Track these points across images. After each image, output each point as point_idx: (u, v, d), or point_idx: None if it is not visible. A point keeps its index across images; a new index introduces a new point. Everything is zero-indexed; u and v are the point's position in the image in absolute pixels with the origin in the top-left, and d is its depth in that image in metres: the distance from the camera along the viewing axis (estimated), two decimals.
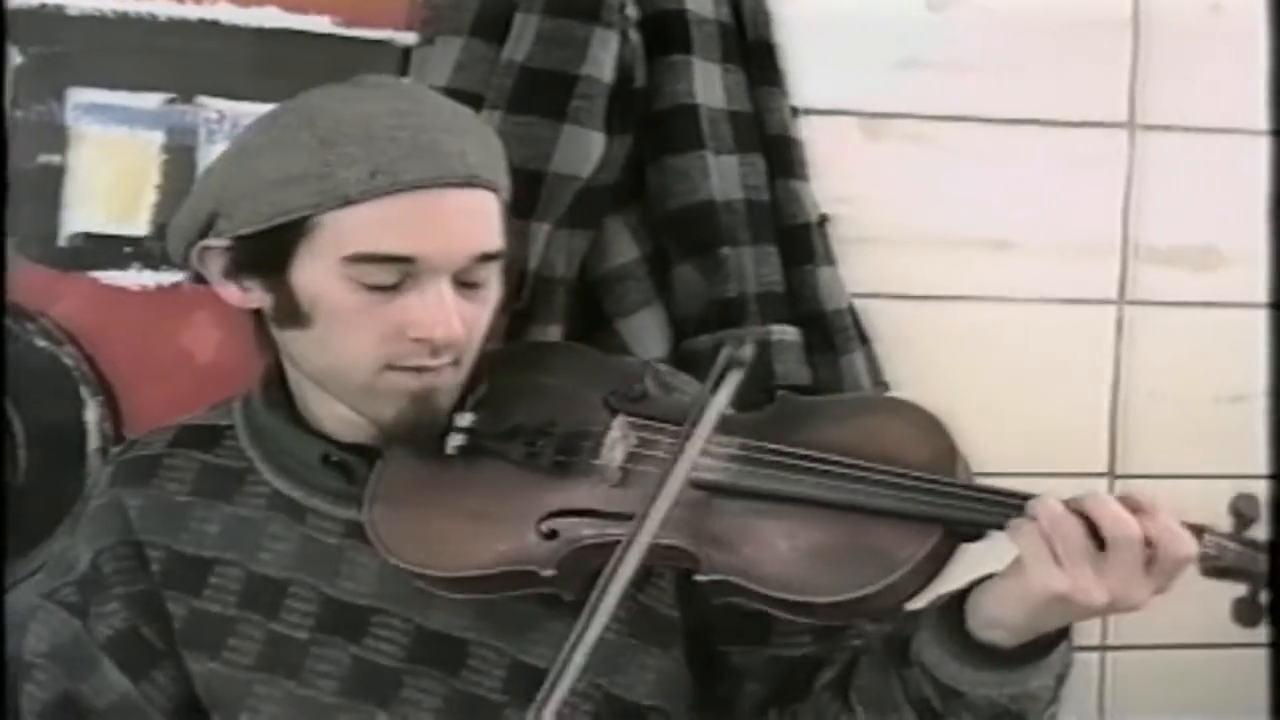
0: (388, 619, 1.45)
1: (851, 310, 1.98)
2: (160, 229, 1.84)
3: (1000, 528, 1.27)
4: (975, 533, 1.30)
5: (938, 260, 2.10)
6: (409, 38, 1.87)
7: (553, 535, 1.38)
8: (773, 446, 1.36)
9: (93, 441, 1.86)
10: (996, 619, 1.29)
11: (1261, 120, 2.10)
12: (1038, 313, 2.14)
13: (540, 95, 1.74)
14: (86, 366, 1.85)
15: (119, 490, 1.53)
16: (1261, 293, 2.14)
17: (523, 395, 1.49)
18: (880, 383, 1.99)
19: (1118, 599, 1.23)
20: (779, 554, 1.32)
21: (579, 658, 1.22)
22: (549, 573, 1.36)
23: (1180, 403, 2.20)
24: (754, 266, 1.90)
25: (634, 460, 1.41)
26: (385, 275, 1.37)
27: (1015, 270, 2.13)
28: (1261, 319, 2.14)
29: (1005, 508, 1.27)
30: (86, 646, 1.48)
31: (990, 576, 1.31)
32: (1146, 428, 2.20)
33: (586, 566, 1.35)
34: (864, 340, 1.99)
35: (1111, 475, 2.19)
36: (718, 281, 1.87)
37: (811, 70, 2.01)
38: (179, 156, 1.86)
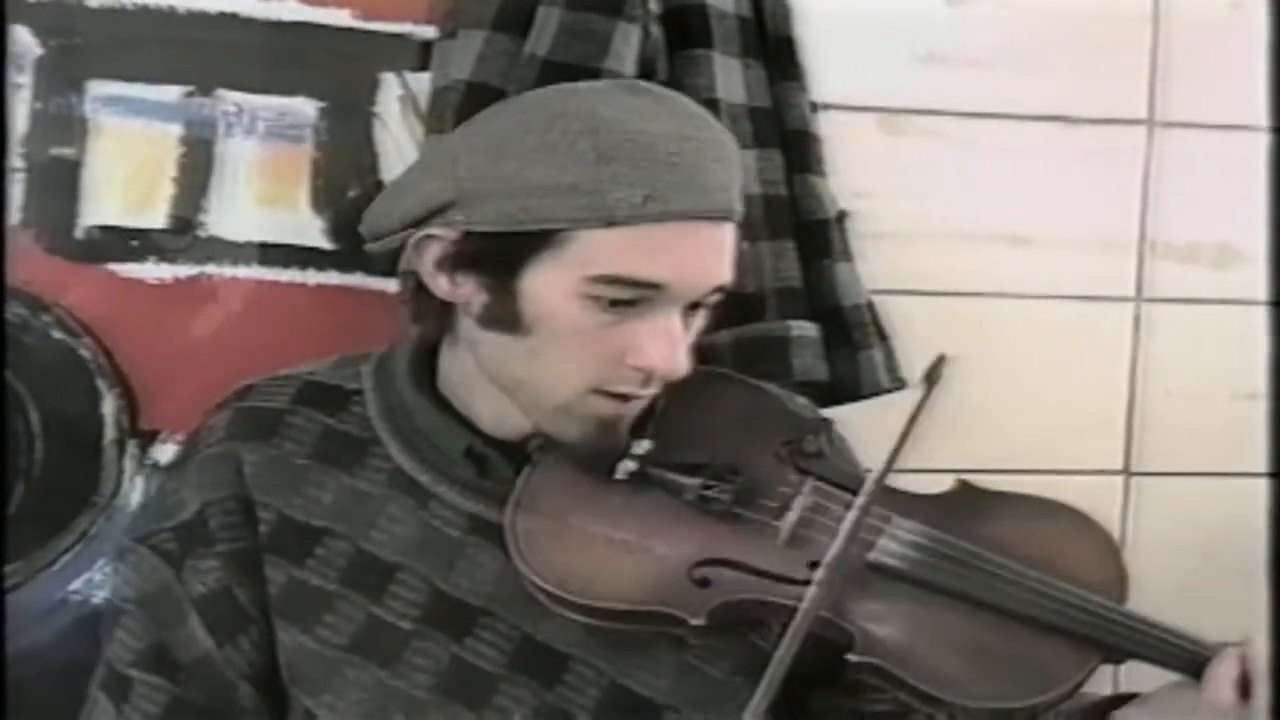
0: (495, 622, 1.42)
1: (870, 306, 1.98)
2: (176, 221, 1.85)
3: (1163, 664, 1.29)
4: (1125, 659, 1.31)
5: (955, 256, 2.10)
6: (429, 31, 1.86)
7: (705, 583, 1.35)
8: (957, 543, 1.35)
9: (109, 434, 1.86)
10: None
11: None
12: (1055, 309, 2.14)
13: None
14: (103, 359, 1.84)
15: (236, 444, 1.49)
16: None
17: (698, 428, 1.47)
18: (898, 379, 1.98)
19: None
20: (936, 649, 1.31)
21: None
22: (697, 622, 1.32)
23: (1197, 400, 2.20)
24: (772, 261, 1.90)
25: (804, 523, 1.39)
26: (625, 296, 1.34)
27: (1033, 266, 2.13)
28: None
29: (1181, 653, 1.29)
30: (177, 598, 1.44)
31: (1131, 697, 1.35)
32: (1163, 425, 2.20)
33: (731, 620, 1.34)
34: (882, 336, 1.98)
35: (1127, 473, 2.19)
36: (736, 276, 1.86)
37: (831, 65, 2.00)
38: (197, 149, 1.85)
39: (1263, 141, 2.11)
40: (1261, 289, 2.15)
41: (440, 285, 1.41)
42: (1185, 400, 2.20)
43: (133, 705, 1.44)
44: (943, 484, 1.46)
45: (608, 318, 1.35)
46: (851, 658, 1.30)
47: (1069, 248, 2.14)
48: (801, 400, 1.65)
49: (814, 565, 1.34)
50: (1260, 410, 2.14)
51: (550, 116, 1.34)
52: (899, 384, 1.98)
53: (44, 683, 1.78)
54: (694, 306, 1.40)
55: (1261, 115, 2.09)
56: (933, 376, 1.43)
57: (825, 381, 1.91)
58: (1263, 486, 2.13)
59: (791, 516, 1.39)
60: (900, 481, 1.43)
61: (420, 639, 1.42)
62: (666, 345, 1.36)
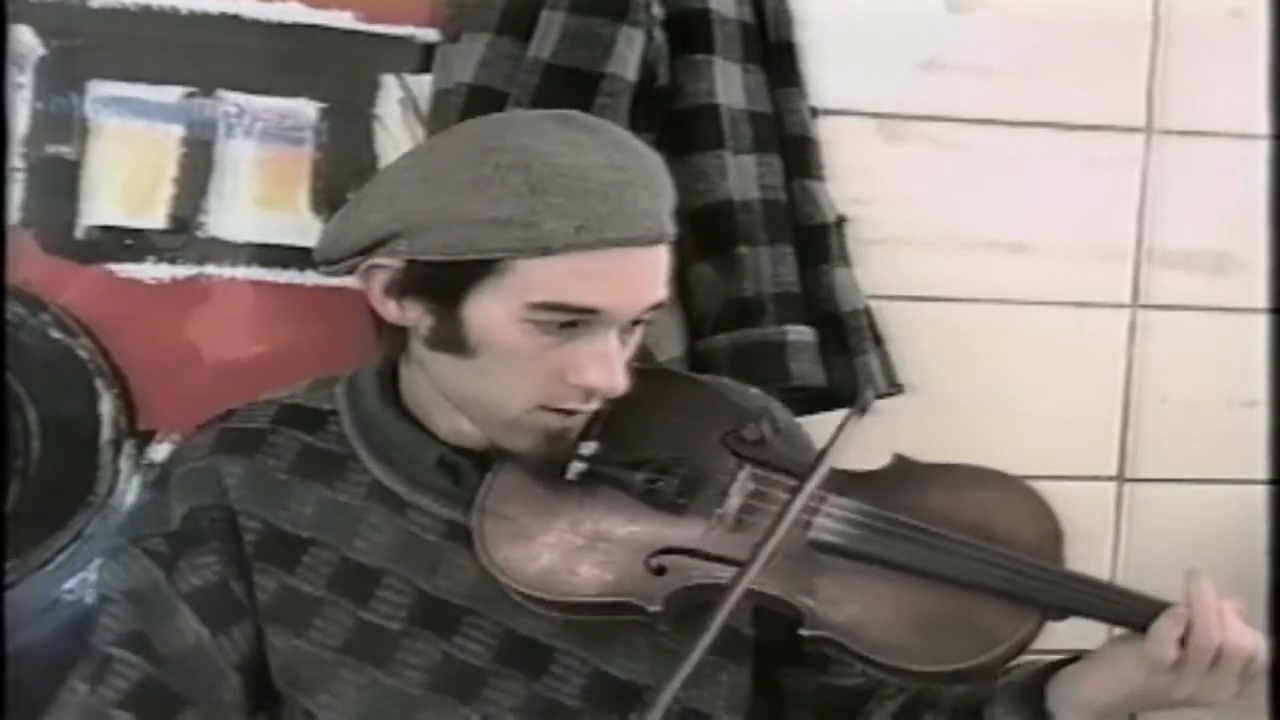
0: (479, 620, 1.47)
1: (867, 311, 1.98)
2: (176, 222, 1.85)
3: (1100, 619, 1.34)
4: (1065, 616, 1.34)
5: (953, 262, 2.10)
6: (430, 34, 1.87)
7: (661, 571, 1.41)
8: (892, 516, 1.40)
9: (106, 434, 1.86)
10: (1084, 702, 1.36)
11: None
12: (1051, 315, 2.14)
13: (565, 93, 1.73)
14: (101, 359, 1.84)
15: (218, 459, 1.52)
16: (1274, 298, 2.15)
17: (643, 427, 1.51)
18: (895, 384, 1.99)
19: (1203, 696, 1.32)
20: (885, 619, 1.36)
21: (667, 696, 1.25)
22: (655, 609, 1.39)
23: (1192, 407, 2.20)
24: (770, 266, 1.90)
25: (747, 509, 1.44)
26: (564, 320, 1.38)
27: (1030, 273, 2.13)
28: (1276, 324, 2.15)
29: (1109, 603, 1.34)
30: (166, 596, 1.47)
31: (1076, 659, 1.39)
32: (1158, 432, 2.20)
33: (689, 604, 1.39)
34: (879, 341, 1.99)
35: (1121, 479, 2.19)
36: (734, 281, 1.87)
37: (831, 71, 2.00)
38: (197, 150, 1.85)
39: (1261, 150, 2.12)
40: (1258, 297, 2.16)
41: (389, 310, 1.46)
42: (1180, 407, 2.20)
43: (107, 684, 1.46)
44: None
45: (549, 340, 1.39)
46: (803, 632, 1.36)
47: (1066, 254, 2.14)
48: (753, 391, 1.69)
49: (758, 546, 1.38)
50: (1256, 418, 2.16)
51: (483, 150, 1.39)
52: (896, 389, 1.99)
53: (38, 681, 1.78)
54: (634, 323, 1.45)
55: (1260, 124, 2.11)
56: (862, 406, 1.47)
57: (822, 386, 1.91)
58: (1257, 494, 2.14)
59: (733, 502, 1.45)
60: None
61: (410, 638, 1.46)
62: (605, 365, 1.41)
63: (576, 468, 1.47)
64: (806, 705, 1.59)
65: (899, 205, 2.07)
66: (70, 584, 1.86)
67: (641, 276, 1.41)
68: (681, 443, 1.50)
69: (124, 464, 1.87)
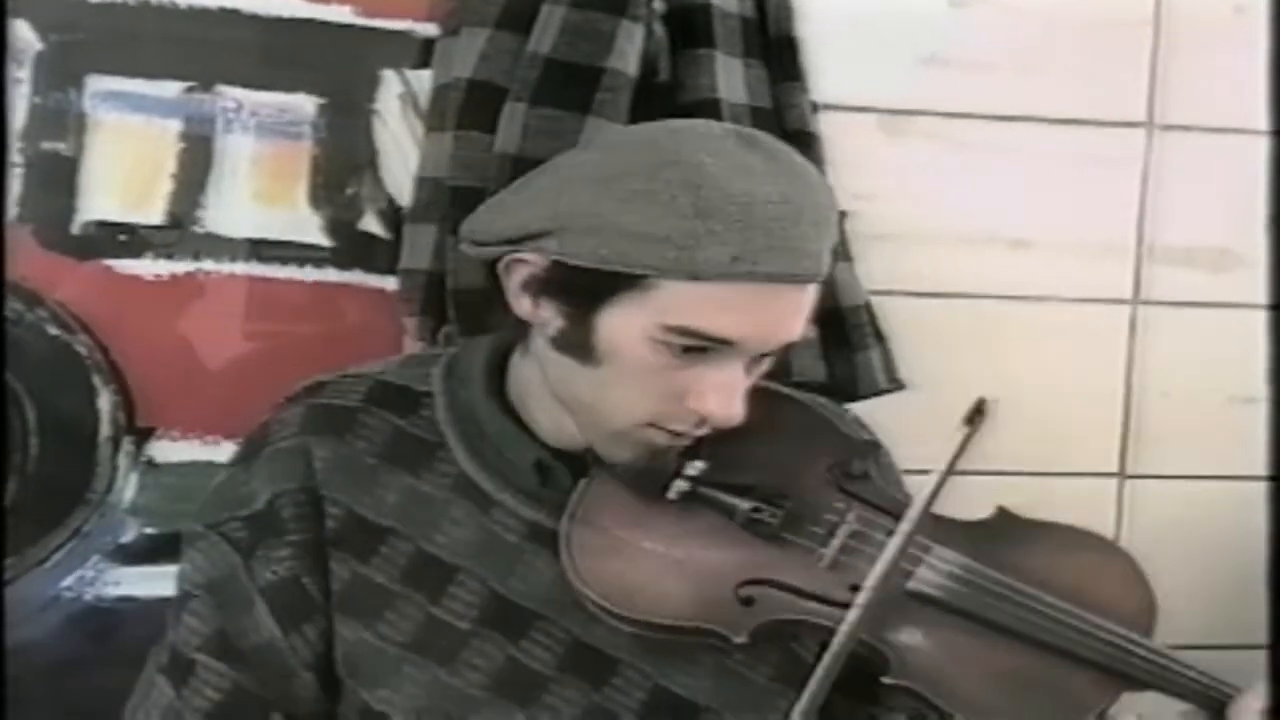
0: (548, 626, 1.44)
1: (868, 307, 1.98)
2: (174, 217, 1.85)
3: (1182, 697, 1.32)
4: (1146, 689, 1.34)
5: (954, 258, 2.10)
6: (429, 28, 1.86)
7: (749, 602, 1.38)
8: (994, 575, 1.38)
9: (105, 430, 1.85)
10: None
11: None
12: (1053, 311, 2.14)
13: (565, 88, 1.72)
14: (99, 355, 1.84)
15: (309, 438, 1.48)
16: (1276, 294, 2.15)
17: (750, 451, 1.47)
18: (895, 380, 1.98)
19: None
20: (971, 676, 1.34)
21: None
22: (740, 640, 1.35)
23: (1193, 403, 2.20)
24: None
25: (846, 549, 1.41)
26: (696, 345, 1.35)
27: (1031, 268, 2.13)
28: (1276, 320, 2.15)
29: (1208, 691, 1.32)
30: (244, 585, 1.45)
31: None
32: (1159, 428, 2.20)
33: (773, 638, 1.38)
34: (880, 337, 1.98)
35: (1122, 475, 2.19)
36: None
37: (832, 66, 2.00)
38: (196, 145, 1.84)
39: (1262, 145, 2.11)
40: (1259, 293, 2.15)
41: (522, 305, 1.43)
42: (1181, 403, 2.20)
43: (193, 689, 1.44)
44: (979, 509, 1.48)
45: (675, 362, 1.36)
46: (887, 680, 1.33)
47: (1067, 250, 2.14)
48: (851, 417, 1.67)
49: (854, 588, 1.36)
50: (1256, 414, 2.15)
51: (658, 163, 1.34)
52: (896, 385, 1.98)
53: (35, 679, 1.79)
54: (763, 355, 1.42)
55: (1261, 119, 2.10)
56: (974, 419, 1.44)
57: (822, 382, 1.90)
58: (1258, 490, 2.14)
59: (835, 543, 1.41)
60: (910, 482, 1.46)
61: (478, 639, 1.44)
62: (726, 395, 1.38)
63: (680, 487, 1.43)
64: None
65: (900, 201, 2.06)
66: (68, 581, 1.86)
67: (785, 313, 1.38)
68: (789, 471, 1.46)
69: (122, 461, 1.86)
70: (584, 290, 1.37)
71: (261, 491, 1.47)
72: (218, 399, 1.86)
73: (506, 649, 1.43)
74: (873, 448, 1.58)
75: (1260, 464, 2.14)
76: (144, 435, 1.87)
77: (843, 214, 1.97)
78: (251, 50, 1.84)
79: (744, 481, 1.44)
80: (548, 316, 1.41)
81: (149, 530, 1.87)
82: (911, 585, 1.37)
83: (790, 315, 1.39)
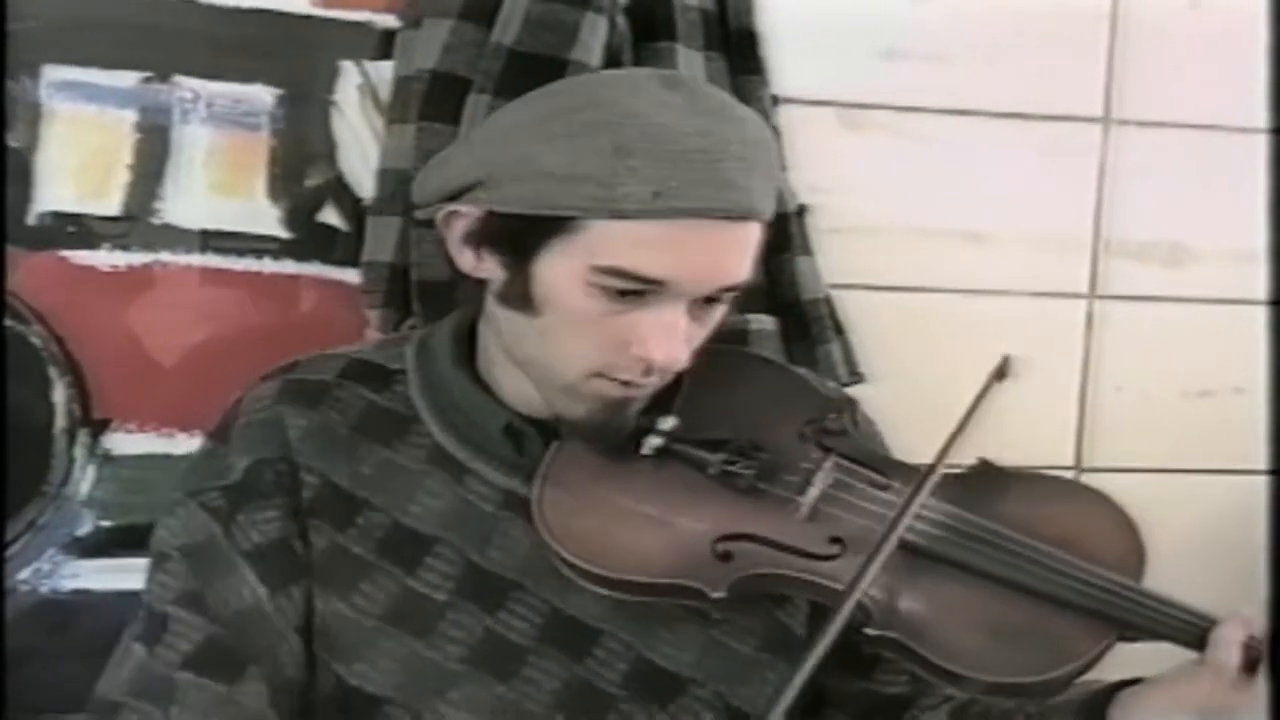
0: (526, 596, 1.43)
1: (828, 300, 1.99)
2: (131, 208, 1.83)
3: (1181, 643, 1.29)
4: (1140, 637, 1.31)
5: (912, 252, 2.10)
6: (389, 20, 1.86)
7: (727, 557, 1.36)
8: (978, 521, 1.36)
9: (60, 422, 1.84)
10: None
11: (1237, 117, 2.13)
12: (1009, 305, 2.15)
13: (529, 80, 1.68)
14: (54, 346, 1.83)
15: (283, 409, 1.48)
16: (1232, 289, 2.17)
17: (723, 406, 1.47)
18: (855, 373, 1.99)
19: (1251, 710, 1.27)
20: (956, 625, 1.32)
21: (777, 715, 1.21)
22: (718, 595, 1.34)
23: (1148, 397, 2.21)
24: None
25: (825, 499, 1.40)
26: (629, 288, 1.34)
27: (988, 263, 2.13)
28: (1231, 315, 2.17)
29: (1189, 626, 1.29)
30: (223, 551, 1.43)
31: (1137, 681, 1.35)
32: (1114, 422, 2.21)
33: (752, 593, 1.36)
34: (839, 330, 1.99)
35: (1078, 469, 2.20)
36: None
37: (790, 60, 2.00)
38: (152, 136, 1.83)
39: (1217, 140, 2.14)
40: (1213, 288, 2.18)
41: (465, 260, 1.43)
42: (1136, 397, 2.21)
43: (166, 644, 1.41)
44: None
45: (613, 307, 1.36)
46: (870, 631, 1.31)
47: (1024, 244, 2.14)
48: (830, 383, 1.67)
49: (834, 540, 1.36)
50: (1210, 408, 2.18)
51: (578, 105, 1.35)
52: (856, 378, 1.99)
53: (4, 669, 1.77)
54: (709, 300, 1.40)
55: (1217, 115, 2.13)
56: (1002, 372, 1.48)
57: None
58: (1213, 482, 2.16)
59: (813, 492, 1.40)
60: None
61: (454, 611, 1.43)
62: (666, 339, 1.36)
63: (653, 443, 1.42)
64: (847, 709, 1.55)
65: (858, 194, 2.07)
66: (24, 574, 1.84)
67: (716, 253, 1.36)
68: (763, 427, 1.45)
69: (78, 453, 1.85)
70: (518, 237, 1.37)
71: (239, 461, 1.47)
72: (174, 391, 1.85)
73: (484, 620, 1.43)
74: (850, 403, 1.56)
75: (1214, 457, 2.18)
76: (100, 427, 1.85)
77: (803, 207, 1.98)
78: (209, 40, 1.82)
79: (718, 436, 1.43)
80: (490, 269, 1.41)
81: (105, 523, 1.86)
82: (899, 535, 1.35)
83: (725, 254, 1.37)
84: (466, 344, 1.53)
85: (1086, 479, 2.17)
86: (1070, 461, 2.20)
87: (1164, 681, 1.32)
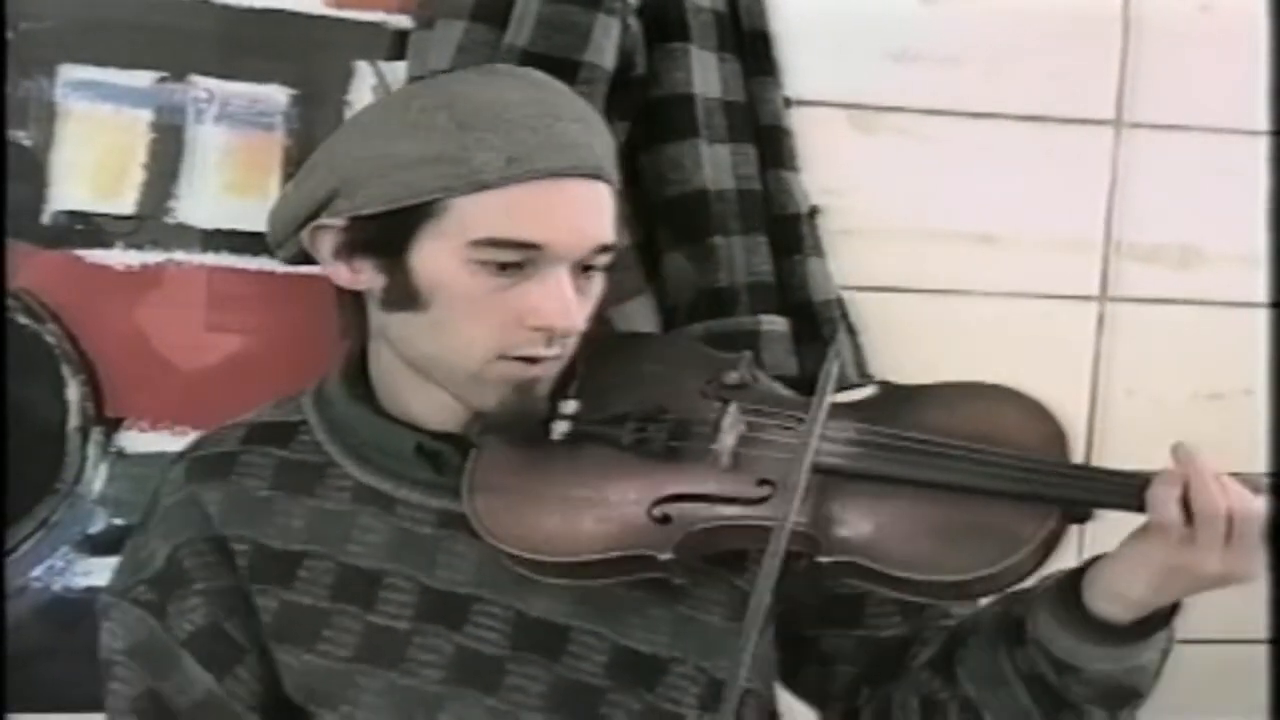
0: (488, 607, 1.44)
1: (840, 301, 1.99)
2: (145, 207, 1.84)
3: (1119, 506, 1.30)
4: (1086, 514, 1.33)
5: (922, 253, 2.10)
6: (403, 20, 1.86)
7: (666, 520, 1.39)
8: (890, 431, 1.38)
9: (73, 420, 1.84)
10: (1118, 592, 1.33)
11: (1248, 121, 2.12)
12: (1020, 307, 2.15)
13: None
14: (68, 345, 1.83)
15: (194, 487, 1.50)
16: (1243, 292, 2.17)
17: (621, 383, 1.50)
18: (866, 375, 1.99)
19: (1231, 570, 1.28)
20: (901, 535, 1.34)
21: (745, 656, 1.26)
22: (666, 556, 1.36)
23: (1158, 400, 2.21)
24: (744, 256, 1.90)
25: (743, 445, 1.41)
26: (508, 258, 1.37)
27: (998, 265, 2.13)
28: (1242, 318, 2.16)
29: (1123, 487, 1.31)
30: (166, 644, 1.45)
31: (1102, 556, 1.36)
32: (1124, 424, 2.20)
33: (700, 549, 1.38)
34: (851, 332, 2.00)
35: None
36: (708, 270, 1.87)
37: (803, 61, 2.00)
38: (166, 135, 1.83)
39: (1229, 143, 2.13)
40: (1224, 291, 2.18)
41: (341, 275, 1.46)
42: (1146, 399, 2.21)
43: None
44: None
45: (498, 281, 1.39)
46: (823, 559, 1.34)
47: (1035, 246, 2.14)
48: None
49: (763, 482, 1.38)
50: (1221, 410, 2.17)
51: (408, 98, 1.43)
52: (867, 379, 1.99)
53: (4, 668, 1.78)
54: (586, 269, 1.44)
55: (1229, 118, 2.12)
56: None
57: (794, 376, 1.90)
58: None
59: (727, 440, 1.41)
60: None
61: (421, 635, 1.44)
62: (558, 302, 1.40)
63: (561, 428, 1.45)
64: (849, 663, 1.56)
65: (869, 196, 2.07)
66: (37, 571, 1.85)
67: (581, 211, 1.41)
68: (663, 394, 1.48)
69: (91, 451, 1.85)
70: (387, 235, 1.40)
71: (160, 550, 1.49)
72: (187, 390, 1.86)
73: (452, 638, 1.44)
74: (745, 359, 1.55)
75: (1226, 460, 2.17)
76: (113, 425, 1.86)
77: (815, 209, 1.99)
78: (224, 41, 1.83)
79: (620, 411, 1.45)
80: (368, 278, 1.44)
81: (118, 521, 1.86)
82: (815, 460, 1.36)
83: (588, 213, 1.41)
84: (359, 378, 1.54)
85: None
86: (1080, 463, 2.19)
87: (1122, 548, 1.33)
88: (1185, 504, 1.27)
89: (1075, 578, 1.37)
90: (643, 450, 1.43)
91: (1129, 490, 1.30)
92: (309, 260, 1.50)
